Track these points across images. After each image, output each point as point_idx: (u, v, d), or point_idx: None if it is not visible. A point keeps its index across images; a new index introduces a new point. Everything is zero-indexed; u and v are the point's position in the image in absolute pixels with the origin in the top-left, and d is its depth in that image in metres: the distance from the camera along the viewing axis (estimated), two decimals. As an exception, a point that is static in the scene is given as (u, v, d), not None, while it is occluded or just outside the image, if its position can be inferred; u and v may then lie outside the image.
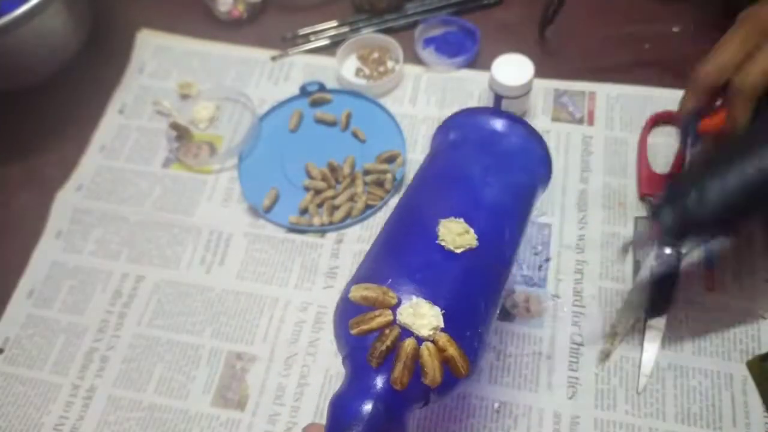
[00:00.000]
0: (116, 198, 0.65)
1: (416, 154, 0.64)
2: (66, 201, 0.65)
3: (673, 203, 0.44)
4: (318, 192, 0.62)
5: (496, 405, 0.51)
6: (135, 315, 0.58)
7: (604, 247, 0.57)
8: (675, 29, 0.70)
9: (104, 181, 0.66)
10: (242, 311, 0.57)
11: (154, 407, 0.53)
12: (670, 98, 0.64)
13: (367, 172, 0.62)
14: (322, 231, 0.60)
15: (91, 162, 0.67)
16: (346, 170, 0.63)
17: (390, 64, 0.70)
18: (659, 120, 0.63)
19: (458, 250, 0.37)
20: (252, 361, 0.55)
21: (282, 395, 0.53)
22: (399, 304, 0.35)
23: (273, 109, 0.68)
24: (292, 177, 0.64)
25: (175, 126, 0.68)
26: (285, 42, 0.74)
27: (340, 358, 0.53)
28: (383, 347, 0.34)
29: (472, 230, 0.38)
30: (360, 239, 0.60)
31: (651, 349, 0.52)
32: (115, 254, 0.61)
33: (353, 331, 0.35)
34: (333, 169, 0.63)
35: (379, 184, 0.62)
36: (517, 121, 0.43)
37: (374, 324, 0.35)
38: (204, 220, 0.62)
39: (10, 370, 0.56)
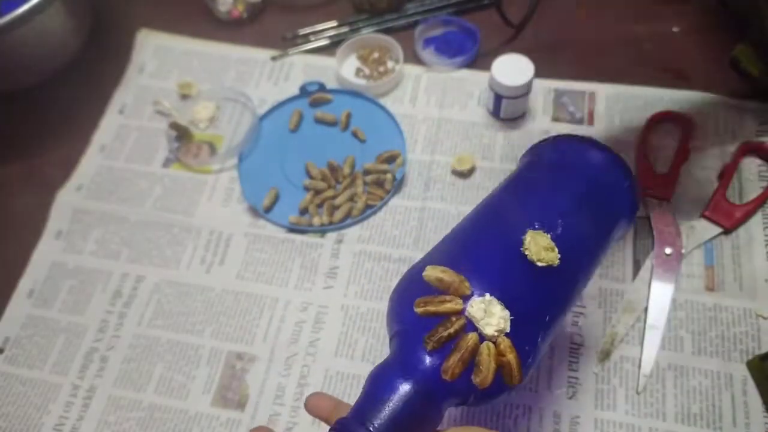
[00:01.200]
0: (116, 198, 0.65)
1: (416, 154, 0.64)
2: (66, 201, 0.65)
3: None
4: (318, 192, 0.62)
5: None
6: (135, 315, 0.58)
7: (604, 247, 0.57)
8: (675, 29, 0.70)
9: (104, 181, 0.66)
10: (242, 311, 0.57)
11: (154, 407, 0.53)
12: (670, 98, 0.64)
13: (367, 172, 0.62)
14: (322, 231, 0.60)
15: (91, 162, 0.67)
16: (346, 170, 0.63)
17: (390, 64, 0.70)
18: (659, 119, 0.63)
19: (540, 264, 0.36)
20: (252, 361, 0.55)
21: (282, 395, 0.53)
22: (471, 296, 0.35)
23: (273, 109, 0.68)
24: (292, 177, 0.64)
25: (175, 126, 0.68)
26: (285, 42, 0.74)
27: (339, 357, 0.54)
28: (445, 333, 0.33)
29: (556, 248, 0.37)
30: (360, 239, 0.60)
31: (651, 349, 0.52)
32: (115, 254, 0.61)
33: (418, 310, 0.34)
34: (333, 168, 0.63)
35: (379, 184, 0.62)
36: (617, 158, 0.44)
37: (443, 308, 0.34)
38: (204, 220, 0.62)
39: (10, 370, 0.56)
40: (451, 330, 0.33)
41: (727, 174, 0.59)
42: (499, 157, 0.63)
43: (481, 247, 0.38)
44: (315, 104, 0.68)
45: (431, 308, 0.34)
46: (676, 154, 0.60)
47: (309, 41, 0.73)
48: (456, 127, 0.65)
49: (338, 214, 0.60)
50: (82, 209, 0.64)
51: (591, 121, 0.65)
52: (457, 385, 0.33)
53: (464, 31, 0.71)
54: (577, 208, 0.41)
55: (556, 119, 0.65)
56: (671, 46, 0.66)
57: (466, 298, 0.34)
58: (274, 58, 0.73)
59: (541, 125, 0.65)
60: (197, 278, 0.59)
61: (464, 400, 0.35)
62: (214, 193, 0.64)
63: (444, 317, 0.34)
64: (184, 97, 0.71)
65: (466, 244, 0.39)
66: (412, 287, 0.36)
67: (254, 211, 0.62)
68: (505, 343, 0.34)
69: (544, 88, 0.67)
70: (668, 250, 0.56)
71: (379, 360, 0.35)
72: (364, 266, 0.58)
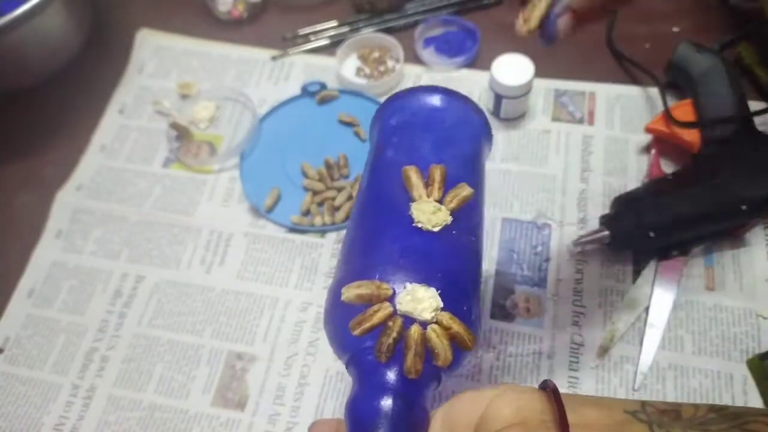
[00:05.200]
0: (116, 198, 0.65)
1: (416, 154, 0.64)
2: (66, 201, 0.65)
3: (623, 218, 0.54)
4: (316, 192, 0.62)
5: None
6: (135, 315, 0.58)
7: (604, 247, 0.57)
8: (675, 29, 0.70)
9: (104, 181, 0.66)
10: (242, 311, 0.57)
11: (154, 407, 0.53)
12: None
13: (367, 172, 0.62)
14: (322, 231, 0.60)
15: (91, 162, 0.67)
16: (345, 170, 0.63)
17: (390, 63, 0.70)
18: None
19: (436, 229, 0.37)
20: (252, 361, 0.55)
21: (282, 395, 0.53)
22: (394, 294, 0.35)
23: (274, 109, 0.68)
24: (294, 177, 0.64)
25: (175, 126, 0.68)
26: (285, 42, 0.74)
27: (341, 363, 0.54)
28: (390, 340, 0.33)
29: (443, 207, 0.38)
30: (360, 239, 0.60)
31: (650, 347, 0.52)
32: (115, 254, 0.61)
33: (356, 332, 0.35)
34: (329, 166, 0.63)
35: (379, 184, 0.62)
36: (449, 92, 0.44)
37: (376, 319, 0.34)
38: (204, 220, 0.62)
39: (10, 370, 0.56)
40: (394, 334, 0.34)
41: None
42: (499, 157, 0.63)
43: (381, 243, 0.38)
44: (323, 102, 0.68)
45: (366, 325, 0.34)
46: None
47: (309, 41, 0.73)
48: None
49: (340, 215, 0.60)
50: (82, 209, 0.64)
51: (591, 121, 0.65)
52: (424, 377, 0.34)
53: (464, 31, 0.71)
54: (441, 159, 0.40)
55: (556, 119, 0.65)
56: (671, 46, 0.65)
57: (391, 299, 0.35)
58: (274, 58, 0.73)
59: (541, 125, 0.65)
60: (197, 278, 0.59)
61: (438, 382, 0.35)
62: (214, 193, 0.64)
63: (382, 326, 0.34)
64: (184, 97, 0.71)
65: (366, 247, 0.39)
66: (339, 314, 0.36)
67: (255, 211, 0.62)
68: (445, 317, 0.34)
69: (544, 88, 0.67)
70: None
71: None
72: (364, 266, 0.58)
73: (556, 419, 0.29)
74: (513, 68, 0.60)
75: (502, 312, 0.55)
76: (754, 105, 0.61)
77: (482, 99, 0.67)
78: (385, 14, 0.74)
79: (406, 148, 0.42)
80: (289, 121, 0.68)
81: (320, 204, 0.61)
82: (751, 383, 0.50)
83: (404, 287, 0.35)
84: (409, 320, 0.34)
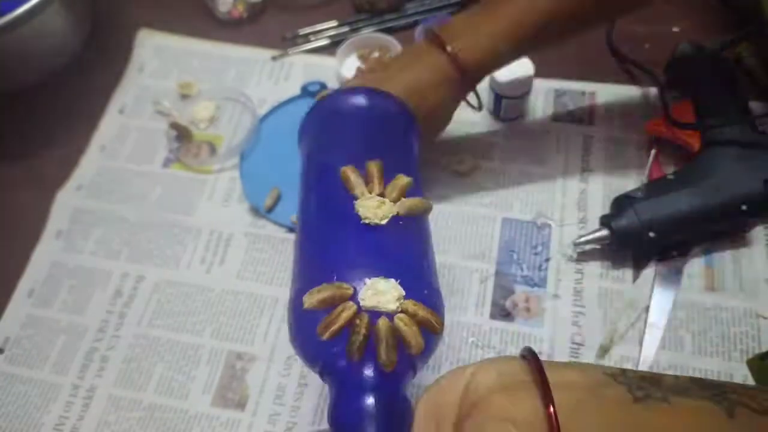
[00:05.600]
0: (116, 198, 0.65)
1: (416, 154, 0.64)
2: (66, 201, 0.65)
3: (623, 218, 0.54)
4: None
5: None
6: (135, 315, 0.58)
7: (605, 246, 0.57)
8: (675, 29, 0.70)
9: (104, 181, 0.66)
10: (242, 311, 0.57)
11: (154, 407, 0.53)
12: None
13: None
14: (322, 231, 0.60)
15: (91, 162, 0.67)
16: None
17: (390, 64, 0.70)
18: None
19: (383, 222, 0.38)
20: (252, 361, 0.55)
21: (282, 395, 0.53)
22: (355, 293, 0.35)
23: (274, 109, 0.68)
24: (294, 177, 0.63)
25: (175, 126, 0.68)
26: (285, 42, 0.74)
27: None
28: (360, 338, 0.34)
29: (386, 199, 0.38)
30: (360, 239, 0.60)
31: (650, 347, 0.52)
32: (116, 254, 0.61)
33: (324, 336, 0.34)
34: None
35: (379, 184, 0.62)
36: (370, 90, 0.46)
37: (342, 319, 0.34)
38: (204, 220, 0.62)
39: (10, 370, 0.56)
40: (363, 331, 0.34)
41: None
42: (499, 157, 0.63)
43: (333, 245, 0.38)
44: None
45: (334, 327, 0.34)
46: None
47: (309, 41, 0.73)
48: (456, 126, 0.65)
49: (338, 214, 0.60)
50: (82, 209, 0.64)
51: (591, 121, 0.65)
52: (401, 367, 0.34)
53: (464, 31, 0.71)
54: (376, 153, 0.41)
55: (556, 119, 0.65)
56: (671, 46, 0.65)
57: (353, 297, 0.35)
58: (274, 58, 0.73)
59: (541, 125, 0.65)
60: (197, 278, 0.59)
61: (413, 372, 0.36)
62: (214, 193, 0.64)
63: (349, 326, 0.34)
64: (184, 97, 0.71)
65: (317, 255, 0.39)
66: (304, 324, 0.37)
67: (255, 211, 0.62)
68: (409, 305, 0.35)
69: (544, 88, 0.67)
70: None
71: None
72: (364, 266, 0.58)
73: (536, 380, 0.29)
74: (513, 68, 0.60)
75: (502, 312, 0.55)
76: (754, 105, 0.61)
77: (482, 99, 0.67)
78: (385, 14, 0.74)
79: (340, 149, 0.43)
80: (289, 121, 0.67)
81: (320, 204, 0.61)
82: (751, 383, 0.50)
83: (364, 283, 0.35)
84: (374, 315, 0.34)
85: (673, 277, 0.55)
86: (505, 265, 0.57)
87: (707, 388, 0.29)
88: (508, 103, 0.63)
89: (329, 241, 0.39)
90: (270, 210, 0.62)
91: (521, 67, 0.60)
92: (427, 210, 0.40)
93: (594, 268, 0.56)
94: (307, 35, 0.74)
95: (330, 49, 0.72)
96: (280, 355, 0.55)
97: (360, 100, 0.45)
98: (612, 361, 0.52)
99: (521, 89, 0.61)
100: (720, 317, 0.53)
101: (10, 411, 0.54)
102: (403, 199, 0.39)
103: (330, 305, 0.35)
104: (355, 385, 0.34)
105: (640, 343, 0.52)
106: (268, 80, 0.71)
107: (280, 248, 0.60)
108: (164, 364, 0.55)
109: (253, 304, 0.57)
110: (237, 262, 0.60)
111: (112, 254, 0.61)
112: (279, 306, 0.57)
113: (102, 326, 0.57)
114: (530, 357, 0.30)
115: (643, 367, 0.51)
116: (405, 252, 0.38)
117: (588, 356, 0.52)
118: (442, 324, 0.36)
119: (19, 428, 0.53)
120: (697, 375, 0.51)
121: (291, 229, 0.61)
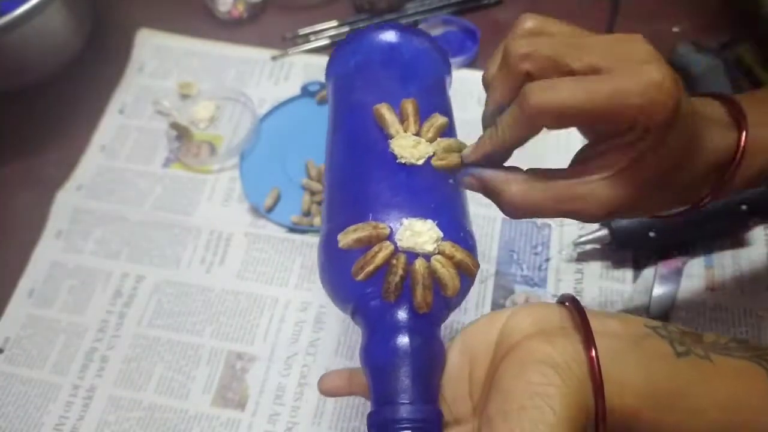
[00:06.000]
0: (116, 198, 0.65)
1: (416, 154, 0.64)
2: (66, 201, 0.65)
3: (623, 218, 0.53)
4: (314, 192, 0.62)
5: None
6: (135, 315, 0.58)
7: (604, 246, 0.57)
8: (675, 29, 0.70)
9: (104, 181, 0.66)
10: (242, 311, 0.57)
11: (154, 407, 0.53)
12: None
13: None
14: (322, 231, 0.60)
15: (91, 162, 0.67)
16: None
17: (390, 64, 0.70)
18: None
19: (420, 162, 0.37)
20: (252, 361, 0.55)
21: (282, 395, 0.53)
22: (392, 233, 0.34)
23: (274, 108, 0.68)
24: (294, 177, 0.64)
25: (175, 126, 0.68)
26: (285, 42, 0.74)
27: (339, 357, 0.54)
28: (397, 278, 0.33)
29: (422, 139, 0.38)
30: (360, 239, 0.60)
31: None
32: (115, 254, 0.61)
33: (359, 277, 0.33)
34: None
35: (379, 183, 0.62)
36: (403, 27, 0.44)
37: (379, 259, 0.33)
38: (204, 220, 0.62)
39: (10, 370, 0.56)
40: (400, 271, 0.33)
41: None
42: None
43: (368, 185, 0.37)
44: (323, 102, 0.68)
45: (370, 268, 0.33)
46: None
47: (309, 41, 0.73)
48: (456, 126, 0.65)
49: (338, 214, 0.60)
50: (82, 209, 0.64)
51: (591, 121, 0.65)
52: (435, 309, 0.34)
53: (464, 31, 0.71)
54: (409, 93, 0.40)
55: (556, 119, 0.65)
56: (671, 46, 0.65)
57: (390, 237, 0.34)
58: (274, 58, 0.73)
59: (541, 125, 0.65)
60: (197, 278, 0.59)
61: (449, 312, 0.35)
62: (214, 193, 0.64)
63: (385, 267, 0.33)
64: (184, 97, 0.71)
65: (351, 195, 0.38)
66: (337, 264, 0.36)
67: (255, 211, 0.62)
68: (447, 246, 0.34)
69: (544, 88, 0.67)
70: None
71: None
72: (364, 266, 0.58)
73: (578, 326, 0.29)
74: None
75: (502, 312, 0.55)
76: (754, 105, 0.61)
77: (482, 99, 0.67)
78: (385, 14, 0.74)
79: (371, 87, 0.41)
80: (289, 121, 0.68)
81: (320, 204, 0.61)
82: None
83: (401, 224, 0.34)
84: (411, 256, 0.34)
85: (673, 277, 0.55)
86: (505, 265, 0.57)
87: (749, 350, 0.29)
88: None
89: (363, 181, 0.37)
90: (270, 210, 0.62)
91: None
92: (462, 150, 0.39)
93: (594, 268, 0.56)
94: (307, 35, 0.74)
95: (330, 49, 0.72)
96: (280, 355, 0.55)
97: (391, 36, 0.43)
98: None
99: (521, 89, 0.61)
100: (720, 317, 0.53)
101: (9, 411, 0.54)
102: (439, 138, 0.38)
103: (366, 245, 0.34)
104: (390, 325, 0.33)
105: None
106: (268, 80, 0.71)
107: (280, 248, 0.60)
108: (164, 364, 0.55)
109: (253, 304, 0.57)
110: (237, 262, 0.60)
111: (112, 254, 0.61)
112: (279, 306, 0.57)
113: (102, 326, 0.57)
114: (571, 302, 0.30)
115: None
116: (441, 193, 0.37)
117: (588, 356, 0.52)
118: (478, 266, 0.35)
119: (19, 428, 0.53)
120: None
121: (291, 229, 0.61)
